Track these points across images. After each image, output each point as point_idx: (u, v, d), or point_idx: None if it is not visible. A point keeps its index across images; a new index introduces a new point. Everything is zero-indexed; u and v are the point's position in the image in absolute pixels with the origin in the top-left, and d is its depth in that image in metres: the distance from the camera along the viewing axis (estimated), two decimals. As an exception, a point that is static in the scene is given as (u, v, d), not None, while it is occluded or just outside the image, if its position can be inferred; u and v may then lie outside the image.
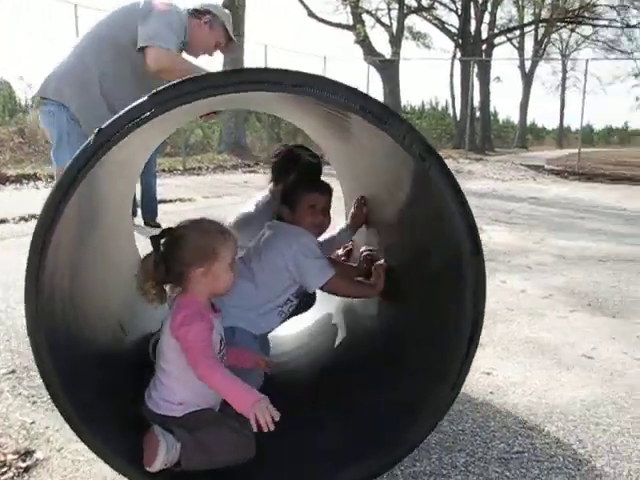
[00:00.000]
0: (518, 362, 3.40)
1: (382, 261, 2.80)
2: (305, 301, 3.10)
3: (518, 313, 4.33)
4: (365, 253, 3.06)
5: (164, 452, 1.99)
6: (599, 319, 4.26)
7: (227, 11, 4.18)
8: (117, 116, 1.94)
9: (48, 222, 1.87)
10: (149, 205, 7.43)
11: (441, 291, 2.29)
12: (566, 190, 13.76)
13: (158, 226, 6.95)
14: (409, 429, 2.14)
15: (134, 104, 1.94)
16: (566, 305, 4.57)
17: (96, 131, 1.93)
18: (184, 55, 3.93)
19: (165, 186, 10.67)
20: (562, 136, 51.27)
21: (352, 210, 3.22)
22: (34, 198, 9.81)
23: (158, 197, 7.65)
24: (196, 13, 3.90)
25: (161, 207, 7.80)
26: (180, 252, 2.07)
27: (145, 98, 1.93)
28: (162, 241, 2.09)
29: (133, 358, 2.71)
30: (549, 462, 2.38)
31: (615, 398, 2.97)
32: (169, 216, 7.80)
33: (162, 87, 1.94)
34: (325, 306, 3.41)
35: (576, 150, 19.53)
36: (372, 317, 2.94)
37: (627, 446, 2.52)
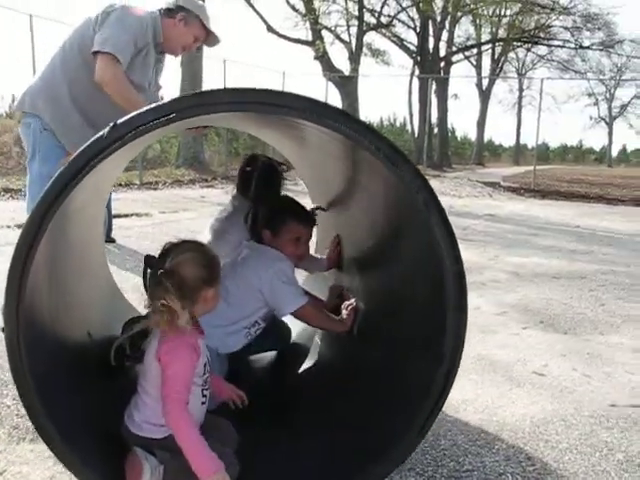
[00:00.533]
0: (470, 379, 3.42)
1: (353, 301, 2.87)
2: (277, 336, 3.16)
3: (471, 330, 4.32)
4: (336, 290, 3.18)
5: (148, 475, 1.99)
6: (551, 336, 4.33)
7: (201, 2, 4.10)
8: (96, 137, 1.90)
9: (32, 235, 1.84)
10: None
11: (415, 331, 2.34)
12: (521, 207, 13.97)
13: (112, 241, 6.86)
14: (371, 470, 2.14)
15: (110, 129, 1.90)
16: (519, 322, 4.63)
17: (74, 157, 1.90)
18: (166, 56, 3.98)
19: (121, 200, 10.57)
20: (519, 153, 52.15)
21: (327, 250, 3.33)
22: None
23: (113, 212, 7.56)
24: (169, 12, 3.83)
25: (117, 222, 7.72)
26: (194, 273, 2.00)
27: (129, 117, 1.92)
28: (159, 272, 1.98)
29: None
30: (497, 480, 2.40)
31: (564, 415, 3.01)
32: (124, 231, 7.73)
33: (156, 105, 1.95)
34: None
35: (532, 167, 19.86)
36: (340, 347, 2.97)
37: (574, 463, 2.55)
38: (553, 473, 2.46)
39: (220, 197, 13.37)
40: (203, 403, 2.15)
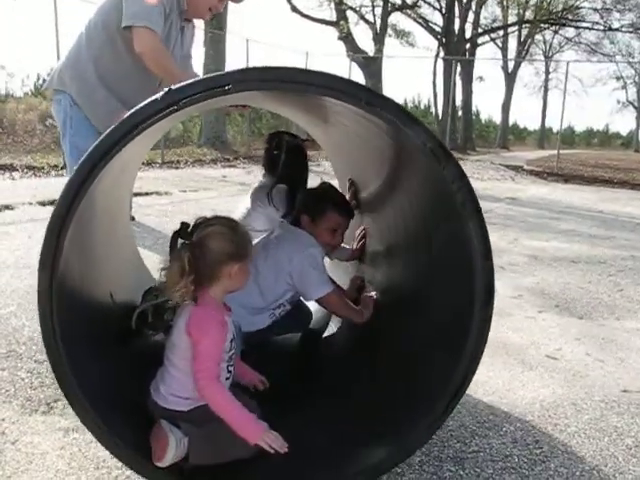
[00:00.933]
0: (482, 362, 3.38)
1: (373, 293, 2.92)
2: (300, 319, 3.18)
3: (486, 313, 4.34)
4: (357, 281, 3.24)
5: (174, 447, 2.00)
6: (566, 320, 4.29)
7: None
8: (149, 101, 1.88)
9: (70, 200, 1.83)
10: None
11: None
12: (544, 191, 13.84)
13: (132, 219, 6.90)
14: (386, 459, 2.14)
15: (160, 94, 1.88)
16: (534, 306, 4.60)
17: (123, 118, 1.88)
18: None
19: (142, 179, 10.61)
20: (543, 137, 51.58)
21: (353, 242, 3.36)
22: (8, 189, 9.75)
23: (134, 189, 7.61)
24: None
25: (137, 200, 7.77)
26: (220, 247, 2.04)
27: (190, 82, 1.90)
28: (191, 242, 2.03)
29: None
30: (504, 462, 2.39)
31: (575, 399, 2.99)
32: (144, 209, 7.77)
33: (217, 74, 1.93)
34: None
35: (556, 151, 19.63)
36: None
37: (582, 446, 2.54)
38: (560, 456, 2.45)
39: (241, 177, 13.39)
40: (228, 379, 2.18)
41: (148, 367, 2.33)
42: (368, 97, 1.93)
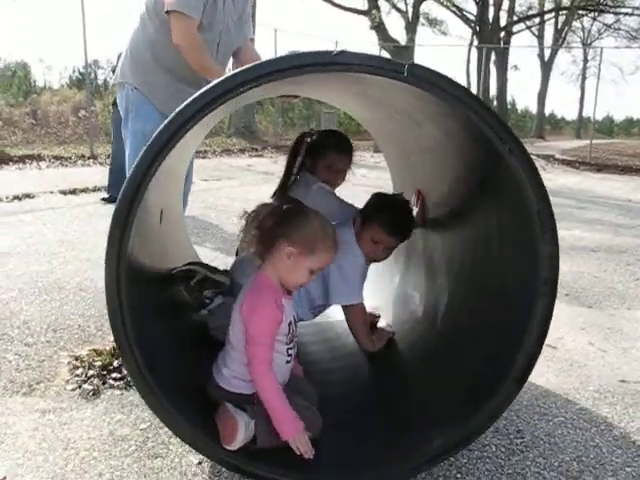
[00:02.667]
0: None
1: (389, 328, 2.92)
2: None
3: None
4: (372, 318, 3.16)
5: (243, 430, 2.00)
6: (574, 309, 4.18)
7: None
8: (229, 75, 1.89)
9: (136, 186, 1.85)
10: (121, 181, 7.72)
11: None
12: (574, 180, 13.56)
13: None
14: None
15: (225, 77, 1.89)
16: (543, 294, 4.47)
17: (182, 107, 1.87)
18: None
19: (165, 168, 10.64)
20: (580, 127, 50.68)
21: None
22: (33, 178, 9.89)
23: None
24: None
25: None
26: (293, 222, 2.05)
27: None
28: (286, 206, 2.08)
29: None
30: (480, 451, 2.32)
31: (568, 389, 2.90)
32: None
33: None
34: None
35: (595, 141, 19.25)
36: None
37: (566, 437, 2.46)
38: (541, 446, 2.37)
39: (267, 166, 13.41)
40: (288, 362, 2.17)
41: (209, 349, 2.38)
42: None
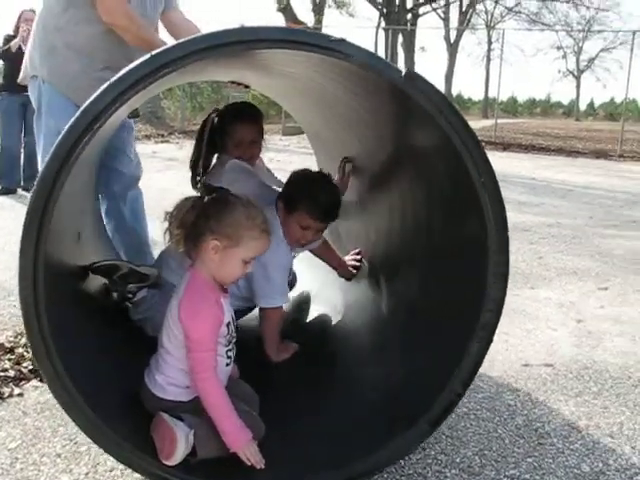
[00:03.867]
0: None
1: (295, 345, 2.71)
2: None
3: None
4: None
5: (183, 443, 1.83)
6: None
7: None
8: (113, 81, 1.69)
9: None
10: (15, 172, 7.49)
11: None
12: (480, 160, 13.74)
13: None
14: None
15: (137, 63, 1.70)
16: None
17: (82, 108, 1.68)
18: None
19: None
20: (487, 107, 51.79)
21: (336, 176, 2.96)
22: None
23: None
24: None
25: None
26: (214, 213, 1.91)
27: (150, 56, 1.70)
28: (208, 198, 1.97)
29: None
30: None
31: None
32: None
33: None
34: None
35: (500, 120, 19.67)
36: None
37: (469, 430, 2.37)
38: (443, 442, 2.27)
39: (173, 152, 13.02)
40: (228, 364, 2.04)
41: (135, 354, 2.23)
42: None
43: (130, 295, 2.61)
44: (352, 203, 3.04)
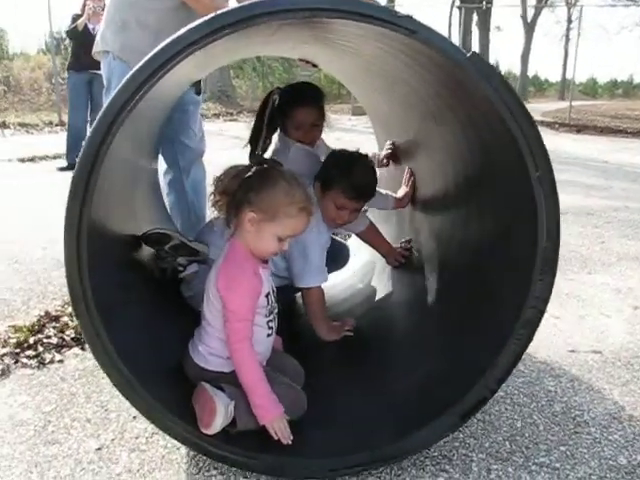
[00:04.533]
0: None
1: (352, 321, 2.68)
2: (337, 257, 3.01)
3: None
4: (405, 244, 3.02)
5: (222, 413, 1.84)
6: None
7: None
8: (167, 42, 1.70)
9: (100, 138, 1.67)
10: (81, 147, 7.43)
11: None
12: (551, 141, 13.28)
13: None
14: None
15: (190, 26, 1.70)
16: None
17: (143, 61, 1.70)
18: None
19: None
20: (564, 88, 50.22)
21: (402, 190, 3.05)
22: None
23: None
24: None
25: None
26: (255, 185, 1.90)
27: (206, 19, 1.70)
28: (254, 169, 1.94)
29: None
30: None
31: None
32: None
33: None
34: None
35: (578, 102, 19.03)
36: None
37: (503, 414, 2.28)
38: (473, 426, 2.21)
39: (240, 131, 12.97)
40: (269, 335, 2.05)
41: (183, 328, 2.23)
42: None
43: (180, 268, 2.62)
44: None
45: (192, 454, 2.02)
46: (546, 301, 1.87)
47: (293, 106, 2.88)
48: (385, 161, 3.27)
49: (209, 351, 2.00)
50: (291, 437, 1.86)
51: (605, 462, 2.02)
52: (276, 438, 1.85)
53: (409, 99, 2.72)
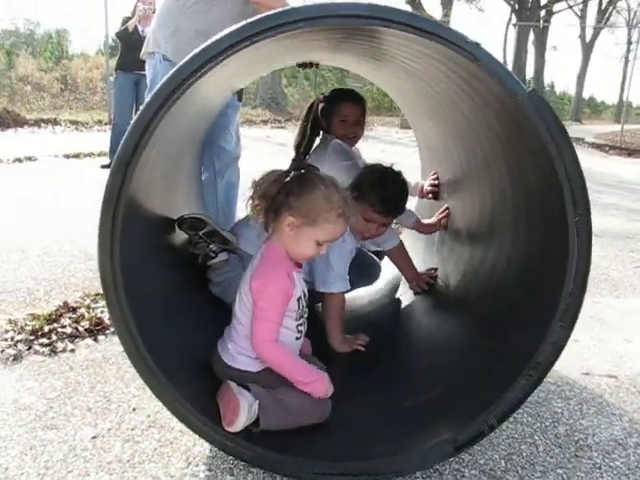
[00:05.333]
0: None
1: (365, 338, 2.67)
2: (367, 272, 3.08)
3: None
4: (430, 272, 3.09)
5: (246, 412, 1.87)
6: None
7: None
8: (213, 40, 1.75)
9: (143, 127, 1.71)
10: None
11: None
12: (598, 163, 13.06)
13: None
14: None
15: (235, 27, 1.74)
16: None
17: (187, 58, 1.74)
18: None
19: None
20: (620, 111, 49.35)
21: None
22: (44, 141, 9.84)
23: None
24: None
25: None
26: (295, 190, 1.92)
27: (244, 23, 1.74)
28: (292, 173, 1.96)
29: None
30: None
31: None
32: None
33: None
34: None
35: (635, 126, 18.66)
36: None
37: (503, 432, 2.23)
38: (476, 446, 2.16)
39: (286, 138, 13.16)
40: (298, 338, 2.07)
41: (211, 323, 2.28)
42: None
43: (213, 254, 2.68)
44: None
45: (184, 449, 2.03)
46: (561, 348, 1.88)
47: (340, 102, 3.15)
48: (428, 194, 3.36)
49: (237, 349, 2.02)
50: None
51: (601, 488, 1.96)
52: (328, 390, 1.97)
53: (459, 128, 2.73)
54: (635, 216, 7.04)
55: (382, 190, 2.52)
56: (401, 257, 3.08)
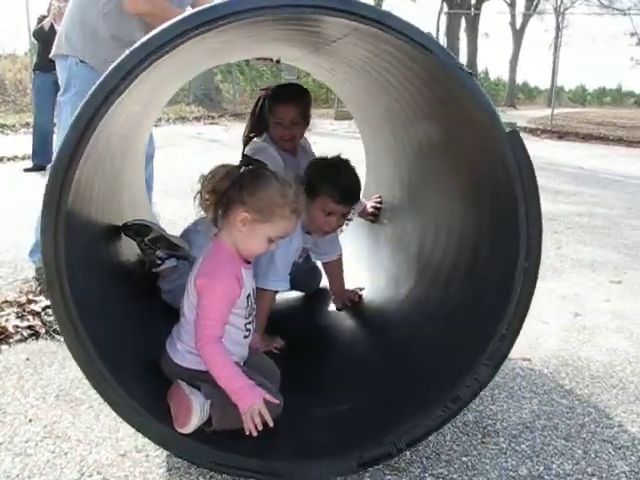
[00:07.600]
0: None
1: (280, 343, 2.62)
2: (305, 280, 3.12)
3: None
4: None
5: (198, 412, 1.83)
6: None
7: None
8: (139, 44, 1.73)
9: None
10: (47, 149, 7.27)
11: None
12: (531, 147, 13.26)
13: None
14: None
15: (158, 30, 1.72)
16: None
17: (112, 66, 1.74)
18: None
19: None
20: (552, 95, 50.44)
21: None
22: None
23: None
24: None
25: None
26: (249, 185, 1.88)
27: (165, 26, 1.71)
28: (243, 168, 1.94)
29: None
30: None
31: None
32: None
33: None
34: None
35: (566, 110, 19.07)
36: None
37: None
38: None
39: (218, 134, 13.09)
40: (246, 337, 2.05)
41: (160, 327, 2.22)
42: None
43: (159, 261, 2.65)
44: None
45: (78, 459, 1.96)
46: (483, 385, 1.88)
47: (274, 103, 3.03)
48: (368, 215, 3.40)
49: (186, 349, 1.98)
50: (272, 424, 1.85)
51: (505, 473, 1.96)
52: (255, 423, 1.83)
53: (407, 115, 2.72)
54: (560, 197, 7.17)
55: (338, 179, 2.53)
56: (336, 270, 3.05)
